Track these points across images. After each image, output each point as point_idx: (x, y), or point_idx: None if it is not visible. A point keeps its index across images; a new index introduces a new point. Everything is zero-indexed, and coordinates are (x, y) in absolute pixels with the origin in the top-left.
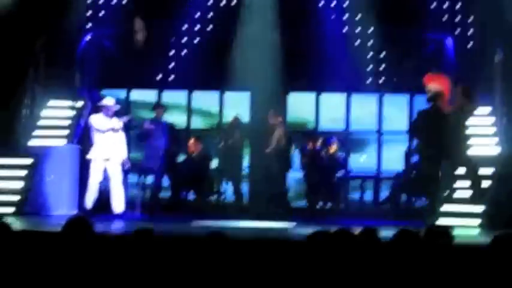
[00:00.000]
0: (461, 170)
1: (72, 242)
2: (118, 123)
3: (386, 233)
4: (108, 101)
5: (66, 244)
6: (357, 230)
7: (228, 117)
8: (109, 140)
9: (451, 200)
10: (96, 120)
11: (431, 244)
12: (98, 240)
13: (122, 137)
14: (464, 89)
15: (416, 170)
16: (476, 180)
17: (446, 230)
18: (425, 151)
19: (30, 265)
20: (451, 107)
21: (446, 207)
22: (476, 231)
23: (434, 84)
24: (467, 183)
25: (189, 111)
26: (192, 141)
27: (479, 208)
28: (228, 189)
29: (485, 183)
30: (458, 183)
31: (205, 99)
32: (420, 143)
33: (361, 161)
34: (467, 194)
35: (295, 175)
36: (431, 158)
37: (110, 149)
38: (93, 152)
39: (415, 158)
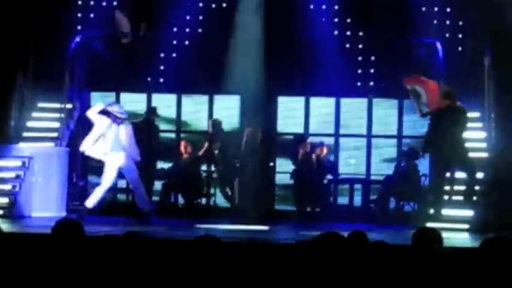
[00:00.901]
0: (459, 174)
1: (62, 244)
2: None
3: (375, 236)
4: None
5: (57, 246)
6: (345, 234)
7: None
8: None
9: (444, 205)
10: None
11: (421, 248)
12: (88, 242)
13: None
14: (447, 90)
15: (406, 174)
16: (472, 183)
17: (436, 233)
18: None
19: (20, 267)
20: (433, 108)
21: (435, 211)
22: (464, 236)
23: (412, 84)
24: (461, 187)
25: (179, 114)
26: (182, 144)
27: (468, 212)
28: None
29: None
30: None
31: (195, 103)
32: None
33: (351, 164)
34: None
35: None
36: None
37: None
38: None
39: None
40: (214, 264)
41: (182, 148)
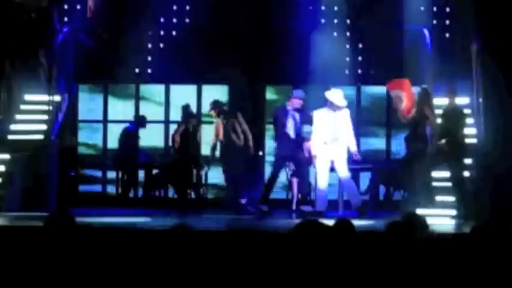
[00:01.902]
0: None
1: (55, 237)
2: None
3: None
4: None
5: (49, 240)
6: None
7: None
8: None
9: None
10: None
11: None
12: (80, 234)
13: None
14: (424, 91)
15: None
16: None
17: (422, 219)
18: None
19: (12, 260)
20: (410, 111)
21: (424, 199)
22: (452, 222)
23: (395, 90)
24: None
25: (167, 105)
26: (177, 137)
27: (455, 199)
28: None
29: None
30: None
31: (183, 93)
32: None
33: None
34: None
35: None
36: (419, 152)
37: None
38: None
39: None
40: (187, 254)
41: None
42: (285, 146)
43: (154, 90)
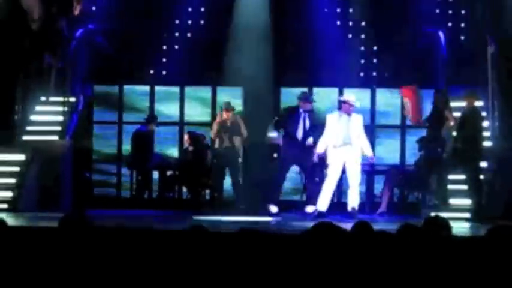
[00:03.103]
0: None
1: (69, 238)
2: None
3: (381, 226)
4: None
5: (63, 240)
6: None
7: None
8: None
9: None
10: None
11: (431, 236)
12: (94, 235)
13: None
14: (442, 93)
15: (416, 164)
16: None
17: (446, 221)
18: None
19: (26, 262)
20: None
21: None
22: (467, 225)
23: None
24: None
25: (182, 106)
26: (186, 137)
27: (470, 202)
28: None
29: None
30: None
31: (198, 94)
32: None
33: None
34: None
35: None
36: (436, 154)
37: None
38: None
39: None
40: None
41: (187, 140)
42: (291, 147)
43: (169, 92)
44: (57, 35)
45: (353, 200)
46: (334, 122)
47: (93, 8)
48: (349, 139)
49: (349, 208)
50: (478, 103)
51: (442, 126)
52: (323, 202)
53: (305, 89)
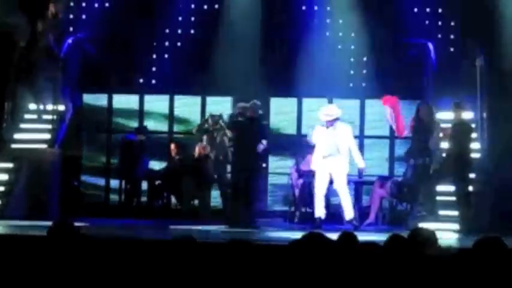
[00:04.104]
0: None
1: (58, 247)
2: None
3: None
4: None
5: (52, 249)
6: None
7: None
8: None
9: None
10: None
11: (417, 248)
12: (83, 244)
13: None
14: (428, 106)
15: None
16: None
17: (431, 233)
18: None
19: (14, 269)
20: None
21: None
22: (455, 236)
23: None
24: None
25: (171, 115)
26: (173, 146)
27: (458, 213)
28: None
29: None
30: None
31: (187, 104)
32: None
33: None
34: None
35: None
36: (425, 165)
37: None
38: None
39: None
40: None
41: (173, 149)
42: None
43: (158, 101)
44: (45, 51)
45: (348, 213)
46: (320, 134)
47: (83, 16)
48: (336, 150)
49: (346, 221)
50: (467, 114)
51: (429, 138)
52: (319, 209)
53: (294, 99)
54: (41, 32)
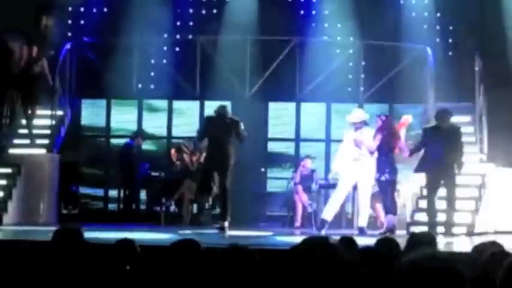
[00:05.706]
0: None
1: (63, 252)
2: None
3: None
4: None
5: (57, 254)
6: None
7: None
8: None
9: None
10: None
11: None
12: (88, 250)
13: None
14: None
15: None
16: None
17: (431, 236)
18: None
19: (12, 275)
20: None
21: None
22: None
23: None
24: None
25: (170, 120)
26: (173, 151)
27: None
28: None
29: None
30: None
31: (186, 109)
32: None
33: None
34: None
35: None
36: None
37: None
38: None
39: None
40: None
41: (173, 154)
42: None
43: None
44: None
45: (362, 219)
46: (349, 137)
47: (82, 22)
48: (360, 154)
49: (357, 226)
50: (464, 118)
51: (388, 152)
52: (329, 212)
53: (292, 104)
54: (36, 57)
